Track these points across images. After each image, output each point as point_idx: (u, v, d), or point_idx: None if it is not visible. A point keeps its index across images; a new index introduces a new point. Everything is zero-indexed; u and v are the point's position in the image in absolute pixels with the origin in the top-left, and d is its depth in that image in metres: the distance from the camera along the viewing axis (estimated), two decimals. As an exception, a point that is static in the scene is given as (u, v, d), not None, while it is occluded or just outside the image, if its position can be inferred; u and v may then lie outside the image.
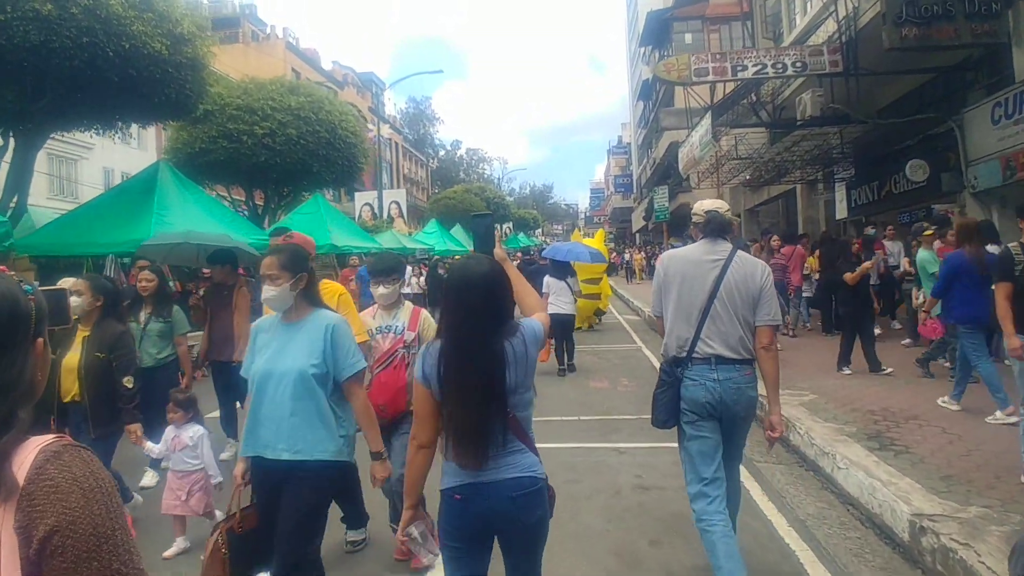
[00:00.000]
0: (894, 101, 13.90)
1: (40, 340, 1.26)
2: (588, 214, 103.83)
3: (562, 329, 10.88)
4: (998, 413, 6.49)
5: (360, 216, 34.07)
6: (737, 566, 3.47)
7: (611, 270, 24.73)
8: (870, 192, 15.48)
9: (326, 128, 19.74)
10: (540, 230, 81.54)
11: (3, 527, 1.08)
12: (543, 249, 24.66)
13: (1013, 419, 6.09)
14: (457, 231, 36.99)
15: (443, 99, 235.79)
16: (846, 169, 16.02)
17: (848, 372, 9.12)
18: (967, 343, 6.82)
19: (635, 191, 65.44)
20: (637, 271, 36.43)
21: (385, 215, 35.10)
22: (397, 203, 37.99)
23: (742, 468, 4.41)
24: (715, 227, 3.80)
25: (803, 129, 13.13)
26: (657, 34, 34.65)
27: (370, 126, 38.50)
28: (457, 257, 26.25)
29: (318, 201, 19.04)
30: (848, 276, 9.07)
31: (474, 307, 2.52)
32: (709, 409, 3.65)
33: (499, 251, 2.86)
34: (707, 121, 13.99)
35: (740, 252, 3.77)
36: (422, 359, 2.60)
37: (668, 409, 3.78)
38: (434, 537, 2.90)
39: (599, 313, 17.58)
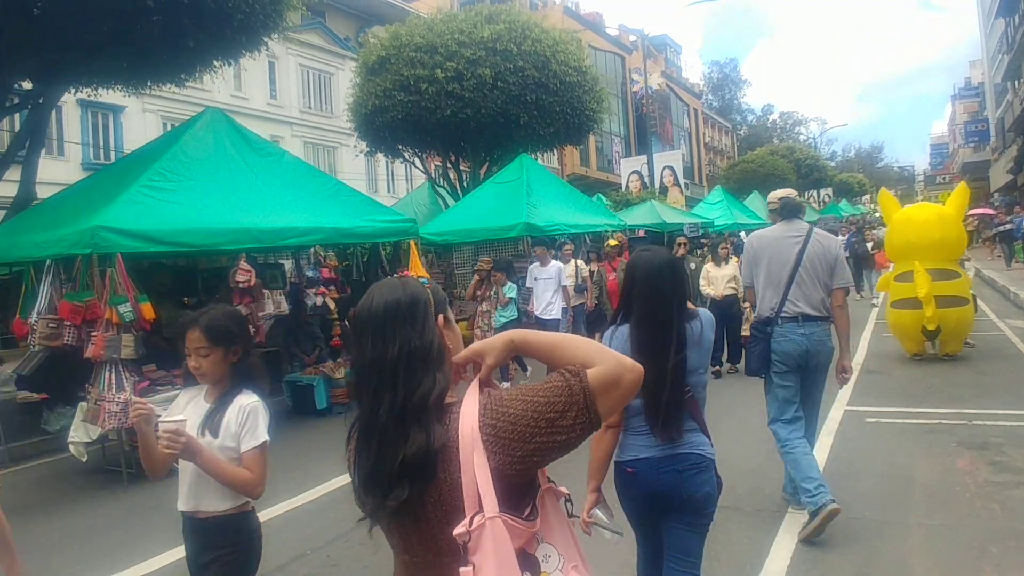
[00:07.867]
0: None
1: (441, 316, 1.51)
2: (928, 174, 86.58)
3: None
4: None
5: (627, 186, 28.24)
6: (820, 476, 4.31)
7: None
8: None
9: (534, 64, 14.18)
10: (867, 196, 68.44)
11: (476, 462, 1.31)
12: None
13: None
14: (752, 200, 29.55)
15: (754, 62, 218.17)
16: None
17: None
18: None
19: (993, 138, 51.52)
20: None
21: (657, 184, 28.77)
22: (671, 168, 30.97)
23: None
24: (790, 210, 4.75)
25: None
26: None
27: (635, 77, 32.26)
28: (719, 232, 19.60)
29: (523, 164, 13.73)
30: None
31: (663, 293, 2.64)
32: (797, 359, 4.48)
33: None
34: None
35: (817, 229, 4.65)
36: (608, 343, 2.68)
37: (760, 360, 4.60)
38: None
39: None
